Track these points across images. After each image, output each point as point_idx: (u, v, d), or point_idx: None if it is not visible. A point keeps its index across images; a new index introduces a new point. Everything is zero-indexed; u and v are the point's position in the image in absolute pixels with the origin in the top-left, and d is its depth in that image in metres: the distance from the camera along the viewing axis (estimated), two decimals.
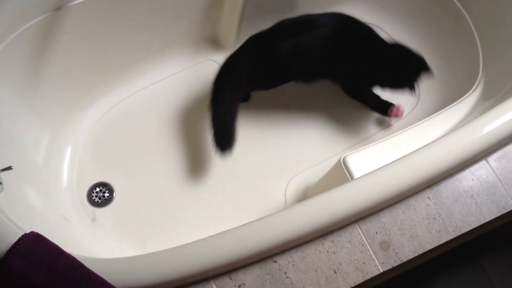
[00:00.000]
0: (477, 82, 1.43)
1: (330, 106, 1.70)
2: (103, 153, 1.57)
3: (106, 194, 1.51)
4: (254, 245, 0.99)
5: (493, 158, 1.18)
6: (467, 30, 1.58)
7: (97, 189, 1.51)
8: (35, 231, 0.96)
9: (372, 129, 1.65)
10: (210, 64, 1.74)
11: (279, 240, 0.99)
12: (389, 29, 1.83)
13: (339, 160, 1.19)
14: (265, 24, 1.69)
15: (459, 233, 1.09)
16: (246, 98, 1.66)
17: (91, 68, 1.51)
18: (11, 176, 1.12)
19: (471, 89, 1.41)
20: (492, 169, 1.17)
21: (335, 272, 1.04)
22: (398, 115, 1.62)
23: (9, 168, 1.09)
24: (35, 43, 1.26)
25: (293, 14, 1.49)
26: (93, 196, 1.50)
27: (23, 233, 0.93)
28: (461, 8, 1.60)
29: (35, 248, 0.92)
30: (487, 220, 1.11)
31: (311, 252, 1.05)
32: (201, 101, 1.67)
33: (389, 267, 1.06)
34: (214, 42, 1.76)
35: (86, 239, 1.40)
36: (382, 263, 1.06)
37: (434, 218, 1.10)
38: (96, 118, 1.60)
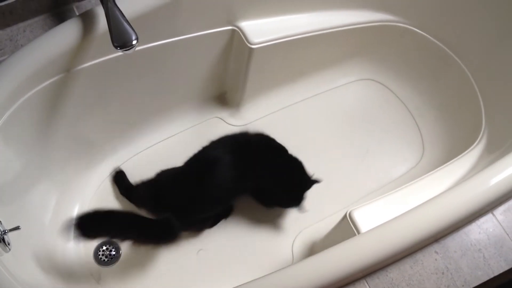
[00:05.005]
0: (480, 135, 1.45)
1: (335, 160, 1.71)
2: None
3: (113, 252, 1.50)
4: None
5: (499, 211, 1.17)
6: (468, 85, 1.61)
7: (104, 248, 1.51)
8: None
9: (378, 182, 1.66)
10: (217, 122, 1.76)
11: None
12: (391, 84, 1.86)
13: (345, 214, 1.19)
14: (270, 82, 1.72)
15: None
16: None
17: (98, 128, 1.53)
18: (19, 236, 1.12)
19: (475, 142, 1.42)
20: (499, 222, 1.16)
21: None
22: None
23: (17, 228, 1.09)
24: (45, 105, 1.28)
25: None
26: (99, 255, 1.49)
27: None
28: (461, 63, 1.63)
29: None
30: (495, 274, 1.10)
31: None
32: None
33: None
34: (220, 100, 1.79)
35: None
36: None
37: (443, 273, 1.09)
38: (103, 177, 1.61)
